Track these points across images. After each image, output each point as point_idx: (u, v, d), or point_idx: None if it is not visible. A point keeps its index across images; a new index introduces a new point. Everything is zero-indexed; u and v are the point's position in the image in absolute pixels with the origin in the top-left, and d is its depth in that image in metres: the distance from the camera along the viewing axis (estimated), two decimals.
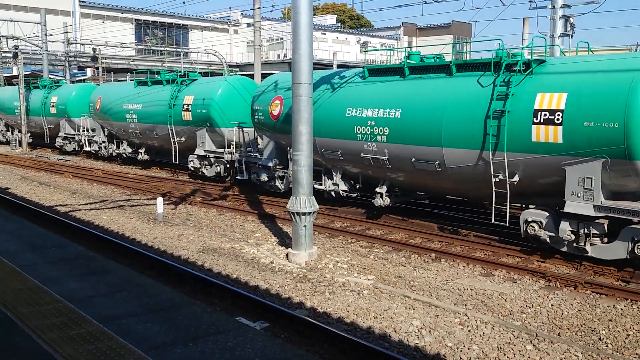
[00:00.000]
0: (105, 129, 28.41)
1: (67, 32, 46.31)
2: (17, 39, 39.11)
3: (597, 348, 7.83)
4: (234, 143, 20.47)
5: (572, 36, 19.55)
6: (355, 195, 16.02)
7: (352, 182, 15.92)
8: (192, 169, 22.31)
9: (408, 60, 14.33)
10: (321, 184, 16.22)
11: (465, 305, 9.39)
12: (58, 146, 32.81)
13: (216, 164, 21.38)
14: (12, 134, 38.34)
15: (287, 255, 12.01)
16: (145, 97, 24.66)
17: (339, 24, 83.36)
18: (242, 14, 70.20)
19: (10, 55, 42.91)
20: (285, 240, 13.32)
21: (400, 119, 13.49)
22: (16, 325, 5.32)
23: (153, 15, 64.53)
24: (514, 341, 7.92)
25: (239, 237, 13.90)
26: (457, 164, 12.61)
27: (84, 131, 30.10)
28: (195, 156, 22.00)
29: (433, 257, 12.24)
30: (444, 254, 12.30)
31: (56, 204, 17.79)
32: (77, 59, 48.27)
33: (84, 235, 13.29)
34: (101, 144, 28.86)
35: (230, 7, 72.59)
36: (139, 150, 26.63)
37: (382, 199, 14.77)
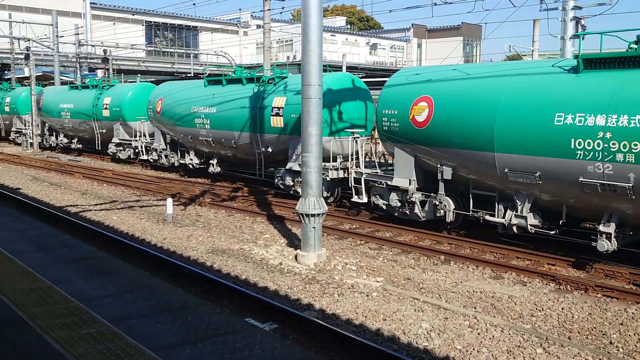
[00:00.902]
0: (167, 135, 24.37)
1: (78, 34, 46.64)
2: (28, 40, 39.40)
3: (608, 352, 7.77)
4: (349, 156, 16.33)
5: (583, 38, 19.42)
6: (552, 233, 11.87)
7: (544, 215, 11.96)
8: (281, 186, 18.31)
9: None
10: (494, 215, 12.40)
11: (475, 307, 9.35)
12: (111, 153, 29.25)
13: None
14: (57, 138, 34.95)
15: (295, 256, 12.01)
16: (220, 98, 20.52)
17: (349, 26, 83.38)
18: (251, 15, 70.42)
19: (22, 56, 43.25)
20: (294, 242, 13.33)
21: None
22: (27, 324, 5.35)
23: (163, 17, 64.86)
24: (523, 344, 7.87)
25: (248, 238, 13.92)
26: None
27: (141, 137, 26.39)
28: (286, 171, 18.01)
29: (442, 259, 12.19)
30: (454, 256, 12.26)
31: (66, 204, 17.90)
32: (88, 60, 48.59)
33: (94, 235, 13.35)
34: (161, 152, 24.87)
35: (240, 9, 72.89)
36: (211, 162, 22.27)
37: (610, 241, 10.64)
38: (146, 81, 32.35)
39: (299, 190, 16.80)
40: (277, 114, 18.18)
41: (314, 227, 11.75)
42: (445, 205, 13.36)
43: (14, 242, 11.41)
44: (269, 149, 18.89)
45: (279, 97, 18.36)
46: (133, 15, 61.26)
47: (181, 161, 23.89)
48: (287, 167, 18.01)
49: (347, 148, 16.48)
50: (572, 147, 10.48)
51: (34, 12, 53.93)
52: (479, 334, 8.23)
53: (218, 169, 22.26)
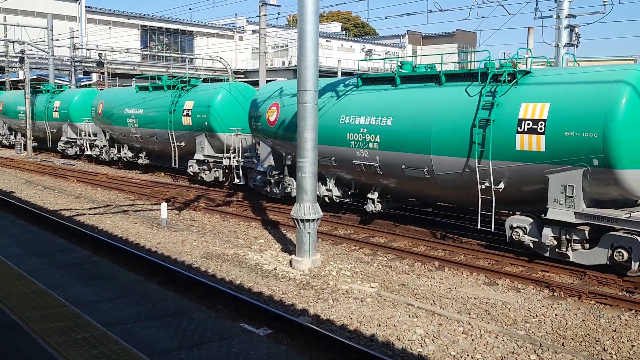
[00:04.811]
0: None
1: (73, 37, 46.57)
2: (23, 43, 39.27)
3: (602, 359, 7.80)
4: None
5: (577, 46, 19.58)
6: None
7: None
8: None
9: None
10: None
11: (469, 314, 9.37)
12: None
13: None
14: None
15: (290, 261, 12.01)
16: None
17: (344, 32, 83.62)
18: (247, 20, 70.54)
19: (17, 59, 43.13)
20: (288, 247, 13.32)
21: None
22: (21, 328, 5.33)
23: (159, 21, 64.85)
24: (517, 351, 7.90)
25: (242, 243, 13.91)
26: None
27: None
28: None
29: (437, 265, 12.22)
30: (448, 262, 12.29)
31: (60, 208, 17.84)
32: (83, 64, 48.54)
33: (88, 239, 13.30)
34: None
35: (236, 14, 72.93)
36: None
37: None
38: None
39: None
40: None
41: (308, 233, 11.75)
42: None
43: (8, 246, 11.38)
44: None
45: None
46: (128, 19, 61.27)
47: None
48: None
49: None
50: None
51: (29, 15, 53.87)
52: (473, 340, 8.25)
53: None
